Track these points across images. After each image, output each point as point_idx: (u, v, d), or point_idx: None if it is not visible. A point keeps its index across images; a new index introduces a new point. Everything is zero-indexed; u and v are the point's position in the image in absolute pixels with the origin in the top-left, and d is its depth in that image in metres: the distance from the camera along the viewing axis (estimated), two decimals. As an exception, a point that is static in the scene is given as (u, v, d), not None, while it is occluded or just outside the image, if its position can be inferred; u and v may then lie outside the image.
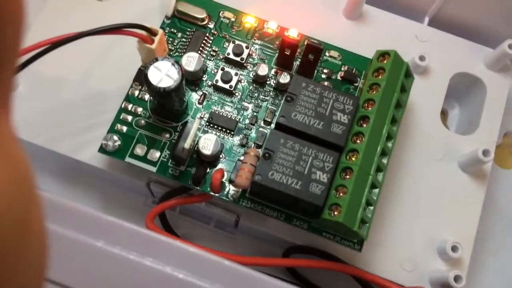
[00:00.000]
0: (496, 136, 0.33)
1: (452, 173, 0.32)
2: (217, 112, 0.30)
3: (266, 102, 0.31)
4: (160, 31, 0.28)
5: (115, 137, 0.29)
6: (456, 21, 0.37)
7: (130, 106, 0.30)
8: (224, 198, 0.29)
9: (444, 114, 0.38)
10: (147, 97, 0.30)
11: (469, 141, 0.33)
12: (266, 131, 0.30)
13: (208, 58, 0.31)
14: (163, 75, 0.26)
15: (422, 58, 0.33)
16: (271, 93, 0.31)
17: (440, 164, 0.32)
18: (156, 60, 0.26)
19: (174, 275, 0.22)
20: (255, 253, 0.33)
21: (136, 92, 0.30)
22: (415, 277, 0.30)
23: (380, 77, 0.28)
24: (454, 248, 0.30)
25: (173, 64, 0.26)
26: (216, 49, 0.32)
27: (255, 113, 0.30)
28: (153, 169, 0.29)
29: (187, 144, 0.26)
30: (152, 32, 0.28)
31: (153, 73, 0.26)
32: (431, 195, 0.32)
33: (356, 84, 0.32)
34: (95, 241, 0.22)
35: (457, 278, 0.29)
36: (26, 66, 0.25)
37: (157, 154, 0.29)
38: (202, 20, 0.32)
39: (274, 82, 0.31)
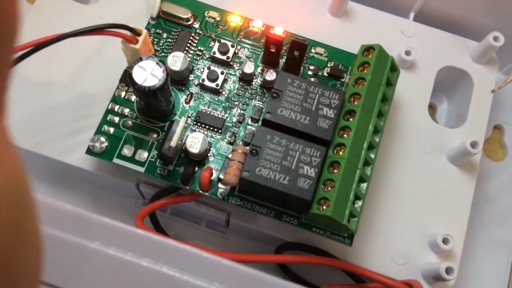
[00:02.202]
0: (484, 128, 0.33)
1: (442, 166, 0.32)
2: (204, 111, 0.30)
3: (253, 100, 0.31)
4: (144, 31, 0.28)
5: (102, 139, 0.29)
6: (441, 15, 0.37)
7: (116, 107, 0.30)
8: (213, 196, 0.28)
9: (432, 108, 0.38)
10: (133, 98, 0.30)
11: (457, 134, 0.33)
12: (253, 128, 0.30)
13: (194, 57, 0.32)
14: (148, 74, 0.26)
15: (408, 53, 0.33)
16: (258, 91, 0.31)
17: (429, 158, 0.32)
18: (141, 59, 0.26)
19: (171, 274, 0.21)
20: (247, 252, 0.33)
21: (123, 93, 0.30)
22: (406, 270, 0.30)
23: (365, 71, 0.29)
24: (445, 241, 0.30)
25: (157, 63, 0.26)
26: (202, 49, 0.32)
27: (242, 111, 0.30)
28: (141, 169, 0.29)
29: (173, 142, 0.26)
30: (136, 32, 0.28)
31: (138, 73, 0.26)
32: (421, 188, 0.32)
33: (342, 80, 0.32)
34: (90, 243, 0.22)
35: (448, 270, 0.29)
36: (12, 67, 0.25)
37: (145, 154, 0.29)
38: (187, 20, 0.32)
39: (261, 79, 0.31)
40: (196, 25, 0.32)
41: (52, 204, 0.22)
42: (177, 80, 0.31)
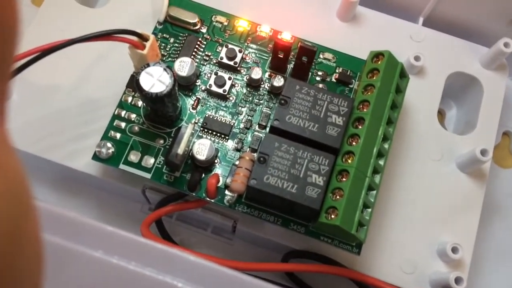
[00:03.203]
0: (494, 135, 0.33)
1: (451, 173, 0.32)
2: (211, 117, 0.30)
3: (261, 106, 0.30)
4: (152, 37, 0.28)
5: (109, 144, 0.29)
6: (451, 20, 0.37)
7: (123, 113, 0.30)
8: (219, 203, 0.28)
9: (441, 114, 0.38)
10: (140, 103, 0.30)
11: (467, 141, 0.33)
12: (261, 135, 0.30)
13: (201, 62, 0.31)
14: (155, 80, 0.26)
15: (417, 58, 0.33)
16: (266, 97, 0.31)
17: (439, 165, 0.32)
18: (148, 65, 0.26)
19: (174, 284, 0.21)
20: (254, 258, 0.33)
21: (129, 99, 0.30)
22: (415, 280, 0.29)
23: (374, 78, 0.28)
24: (454, 249, 0.29)
25: (165, 69, 0.26)
26: (209, 54, 0.31)
27: (249, 117, 0.30)
28: (148, 175, 0.29)
29: (180, 149, 0.26)
30: (143, 38, 0.27)
31: (145, 79, 0.26)
32: (430, 196, 0.31)
33: (351, 86, 0.31)
34: (93, 251, 0.21)
35: (458, 280, 0.28)
36: (16, 74, 0.25)
37: (152, 160, 0.29)
38: (195, 24, 0.32)
39: (268, 85, 0.31)
40: (204, 30, 0.32)
41: (54, 212, 0.21)
42: (184, 85, 0.30)
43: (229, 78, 0.30)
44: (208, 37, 0.32)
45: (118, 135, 0.29)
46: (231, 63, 0.31)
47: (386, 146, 0.28)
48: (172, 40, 0.32)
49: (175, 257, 0.22)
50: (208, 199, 0.28)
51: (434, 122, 0.33)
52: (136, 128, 0.29)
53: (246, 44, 0.32)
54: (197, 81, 0.31)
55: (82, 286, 0.21)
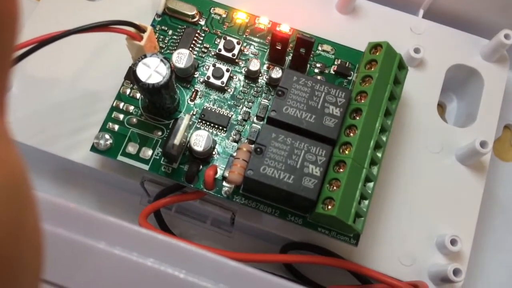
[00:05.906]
0: (494, 127, 0.33)
1: (450, 166, 0.32)
2: (209, 109, 0.30)
3: (259, 98, 0.30)
4: (149, 28, 0.28)
5: (107, 136, 0.29)
6: (451, 12, 0.37)
7: (121, 105, 0.30)
8: (217, 195, 0.28)
9: (441, 107, 0.38)
10: (138, 95, 0.30)
11: (467, 134, 0.32)
12: (259, 126, 0.30)
13: (200, 54, 0.31)
14: (152, 71, 0.26)
15: (417, 50, 0.33)
16: (264, 89, 0.31)
17: (438, 157, 0.32)
18: (145, 56, 0.26)
19: (176, 275, 0.21)
20: (253, 250, 0.33)
21: (128, 91, 0.30)
22: (413, 272, 0.29)
23: (372, 69, 0.28)
24: (453, 242, 0.29)
25: (161, 60, 0.26)
26: (208, 46, 0.31)
27: (247, 109, 0.30)
28: (146, 167, 0.29)
29: (176, 140, 0.26)
30: (141, 29, 0.27)
31: (142, 70, 0.26)
32: (429, 188, 0.31)
33: (349, 78, 0.31)
34: (96, 242, 0.21)
35: (456, 272, 0.28)
36: (13, 65, 0.25)
37: (150, 152, 0.29)
38: (193, 17, 0.32)
39: (266, 77, 0.31)
40: (202, 22, 0.32)
41: (58, 203, 0.21)
42: (182, 77, 0.30)
43: (227, 70, 0.30)
44: (207, 29, 0.32)
45: (116, 127, 0.29)
46: (229, 55, 0.31)
47: (384, 137, 0.28)
48: (170, 32, 0.32)
49: (177, 248, 0.22)
50: (206, 190, 0.28)
51: (434, 114, 0.33)
52: (134, 120, 0.30)
53: (244, 36, 0.32)
54: (195, 73, 0.31)
55: (84, 277, 0.21)
